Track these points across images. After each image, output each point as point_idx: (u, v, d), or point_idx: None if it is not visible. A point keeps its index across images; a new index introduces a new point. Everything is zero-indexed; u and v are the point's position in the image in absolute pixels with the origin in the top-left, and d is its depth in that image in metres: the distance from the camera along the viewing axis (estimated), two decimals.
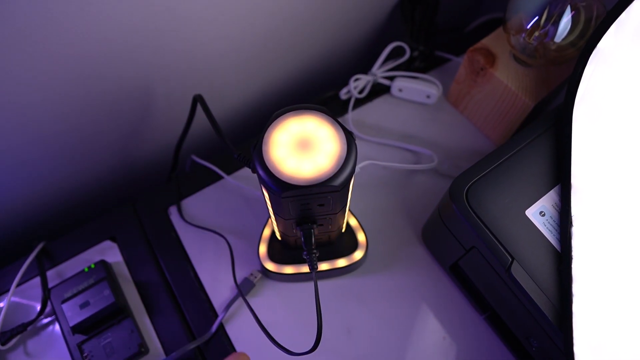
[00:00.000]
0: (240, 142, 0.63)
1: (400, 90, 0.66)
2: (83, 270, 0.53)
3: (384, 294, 0.55)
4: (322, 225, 0.44)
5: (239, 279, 0.55)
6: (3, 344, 0.50)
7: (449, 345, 0.52)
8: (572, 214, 0.42)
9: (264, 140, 0.36)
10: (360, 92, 0.67)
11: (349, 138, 0.36)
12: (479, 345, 0.53)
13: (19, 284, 0.54)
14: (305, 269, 0.52)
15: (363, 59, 0.78)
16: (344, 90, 0.67)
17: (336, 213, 0.41)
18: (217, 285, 0.55)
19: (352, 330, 0.53)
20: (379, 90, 0.68)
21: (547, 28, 0.51)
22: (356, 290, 0.55)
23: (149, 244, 0.58)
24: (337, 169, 0.35)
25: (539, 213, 0.43)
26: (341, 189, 0.35)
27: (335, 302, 0.54)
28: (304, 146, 0.35)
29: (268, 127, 0.36)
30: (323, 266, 0.52)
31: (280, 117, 0.36)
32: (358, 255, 0.53)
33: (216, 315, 0.53)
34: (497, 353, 0.52)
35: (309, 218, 0.41)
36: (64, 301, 0.50)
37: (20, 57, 0.43)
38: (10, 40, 0.41)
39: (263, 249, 0.53)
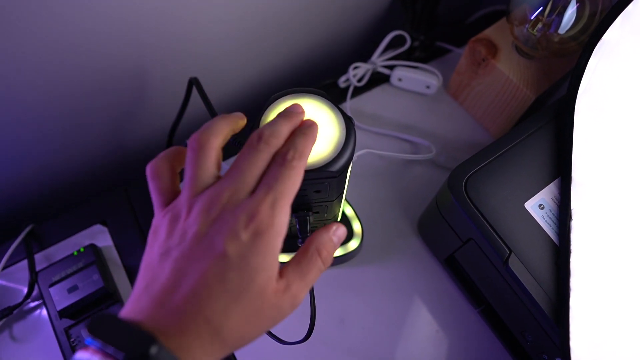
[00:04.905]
0: None
1: (399, 79, 0.65)
2: (72, 254, 0.52)
3: (379, 285, 0.54)
4: (317, 212, 0.43)
5: None
6: None
7: (442, 339, 0.52)
8: (571, 208, 0.42)
9: (260, 122, 0.35)
10: (360, 80, 0.66)
11: (348, 123, 0.35)
12: (472, 339, 0.52)
13: (5, 267, 0.53)
14: None
15: (363, 47, 0.77)
16: (343, 78, 0.66)
17: (332, 200, 0.41)
18: None
19: (346, 321, 0.52)
20: (378, 79, 0.67)
21: (551, 19, 0.50)
22: (350, 280, 0.54)
23: (140, 228, 0.56)
24: (336, 154, 0.34)
25: (538, 206, 0.43)
26: (339, 175, 0.35)
27: (329, 292, 0.53)
28: None
29: (265, 109, 0.35)
30: None
31: (278, 100, 0.35)
32: (353, 245, 0.52)
33: None
34: (491, 347, 0.52)
35: (305, 205, 0.40)
36: (51, 285, 0.49)
37: (6, 31, 0.41)
38: None
39: None
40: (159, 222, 0.29)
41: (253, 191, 0.28)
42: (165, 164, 0.31)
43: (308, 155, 0.31)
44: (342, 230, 0.33)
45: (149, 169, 0.31)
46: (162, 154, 0.32)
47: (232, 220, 0.27)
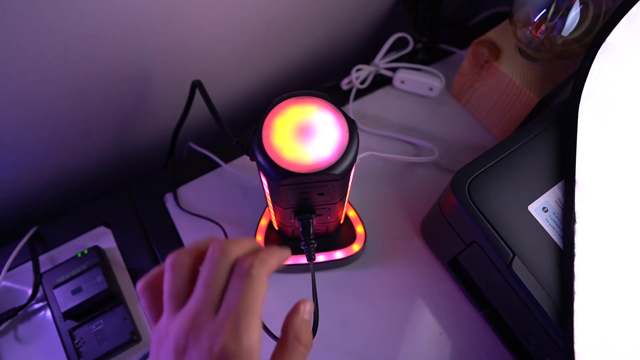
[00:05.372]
0: (238, 131, 0.62)
1: (402, 82, 0.65)
2: (76, 256, 0.52)
3: (381, 288, 0.54)
4: (320, 215, 0.43)
5: None
6: None
7: (445, 341, 0.52)
8: (575, 211, 0.41)
9: (264, 125, 0.35)
10: (362, 82, 0.66)
11: (351, 126, 0.35)
12: (475, 342, 0.52)
13: (10, 268, 0.53)
14: (302, 260, 0.51)
15: (365, 49, 0.77)
16: (346, 81, 0.66)
17: (335, 203, 0.41)
18: None
19: (348, 323, 0.52)
20: (381, 82, 0.67)
21: (554, 21, 0.50)
22: (353, 282, 0.54)
23: (144, 230, 0.57)
24: (339, 157, 0.34)
25: (541, 209, 0.43)
26: (342, 178, 0.35)
27: (332, 294, 0.53)
28: (304, 133, 0.35)
29: (268, 112, 0.35)
30: (320, 258, 0.52)
31: (281, 103, 0.36)
32: (356, 247, 0.52)
33: None
34: (494, 350, 0.52)
35: (308, 208, 0.41)
36: (55, 286, 0.50)
37: (10, 35, 0.41)
38: None
39: (259, 239, 0.52)
40: (153, 339, 0.30)
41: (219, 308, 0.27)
42: (151, 282, 0.31)
43: (273, 265, 0.29)
44: (309, 306, 0.32)
45: (138, 287, 0.31)
46: (149, 273, 0.31)
47: (198, 351, 0.26)
